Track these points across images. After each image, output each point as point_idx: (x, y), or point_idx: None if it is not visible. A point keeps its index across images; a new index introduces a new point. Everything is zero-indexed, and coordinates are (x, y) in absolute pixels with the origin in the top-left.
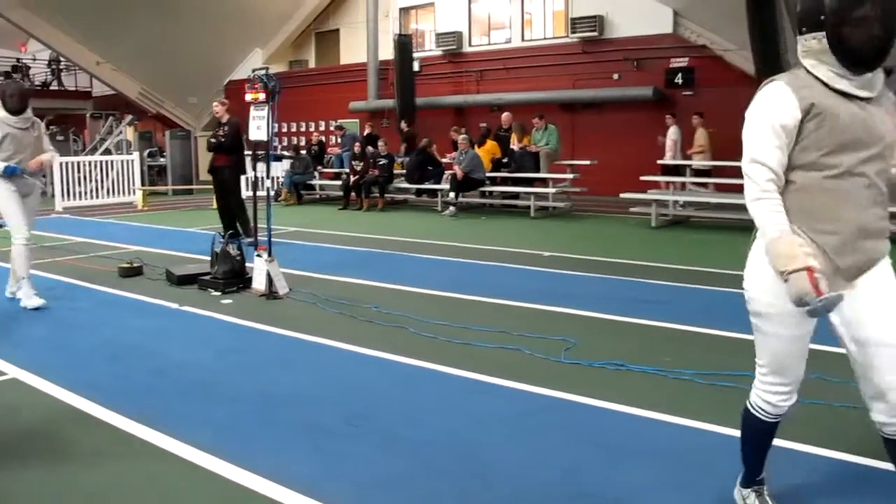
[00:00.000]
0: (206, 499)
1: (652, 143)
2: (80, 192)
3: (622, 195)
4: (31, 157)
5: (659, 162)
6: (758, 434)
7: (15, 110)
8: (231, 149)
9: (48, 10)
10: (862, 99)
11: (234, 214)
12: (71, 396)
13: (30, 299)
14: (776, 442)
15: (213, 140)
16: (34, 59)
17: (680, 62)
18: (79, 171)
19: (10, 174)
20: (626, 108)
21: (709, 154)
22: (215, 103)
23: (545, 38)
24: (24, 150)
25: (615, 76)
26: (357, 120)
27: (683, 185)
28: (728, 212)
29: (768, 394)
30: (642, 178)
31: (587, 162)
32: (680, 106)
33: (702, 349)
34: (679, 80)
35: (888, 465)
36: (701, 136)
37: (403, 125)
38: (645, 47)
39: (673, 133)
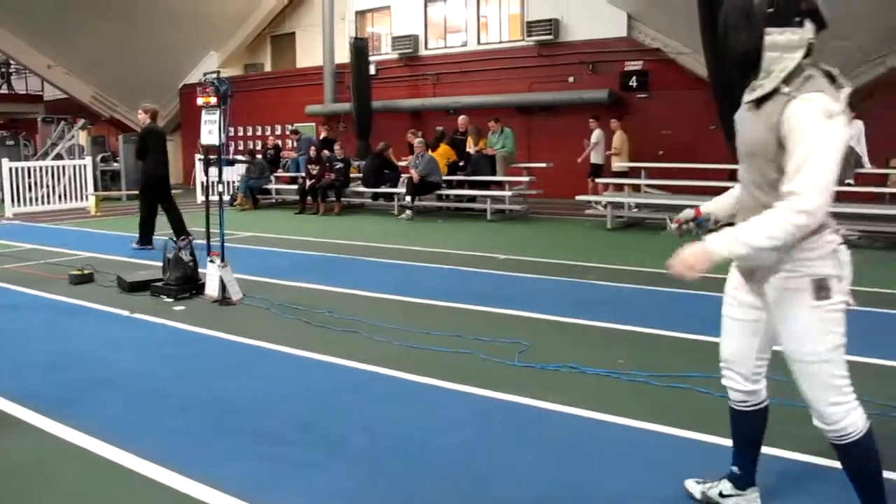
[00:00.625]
0: None
1: (608, 147)
2: (30, 198)
3: (578, 198)
4: None
5: (579, 161)
6: (730, 419)
7: None
8: (141, 154)
9: None
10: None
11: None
12: (8, 404)
13: None
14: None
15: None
16: None
17: (634, 65)
18: (29, 177)
19: None
20: (582, 111)
21: (625, 156)
22: (139, 110)
23: (501, 42)
24: None
25: (570, 79)
26: (313, 124)
27: (638, 187)
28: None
29: (723, 377)
30: (599, 180)
31: (543, 165)
32: (635, 108)
33: (656, 350)
34: (634, 83)
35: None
36: (618, 139)
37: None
38: (600, 50)
39: (596, 136)
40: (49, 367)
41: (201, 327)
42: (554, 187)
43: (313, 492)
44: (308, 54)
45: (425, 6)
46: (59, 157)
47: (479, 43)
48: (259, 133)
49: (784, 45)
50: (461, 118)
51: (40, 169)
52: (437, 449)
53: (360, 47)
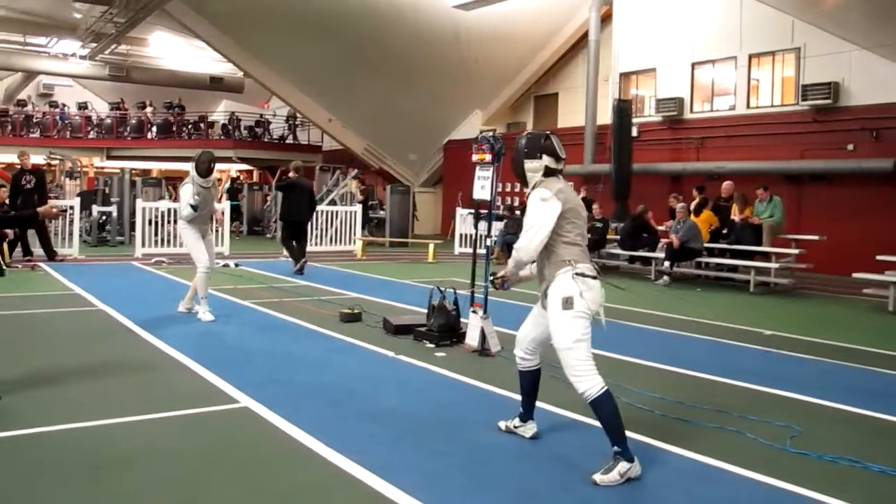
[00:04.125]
0: None
1: (890, 221)
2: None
3: (855, 275)
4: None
5: None
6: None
7: (204, 174)
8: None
9: (290, 71)
10: None
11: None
12: (296, 430)
13: (205, 314)
14: None
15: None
16: (274, 115)
17: None
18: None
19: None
20: (861, 181)
21: None
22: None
23: (772, 106)
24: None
25: (849, 147)
26: (572, 183)
27: None
28: None
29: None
30: (879, 257)
31: (814, 237)
32: None
33: None
34: None
35: None
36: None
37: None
38: (886, 116)
39: None
40: (324, 400)
41: (461, 375)
42: (825, 262)
43: None
44: (570, 114)
45: (692, 69)
46: (332, 202)
47: (747, 107)
48: (517, 190)
49: (532, 169)
50: (726, 184)
51: (317, 213)
52: None
53: (623, 108)
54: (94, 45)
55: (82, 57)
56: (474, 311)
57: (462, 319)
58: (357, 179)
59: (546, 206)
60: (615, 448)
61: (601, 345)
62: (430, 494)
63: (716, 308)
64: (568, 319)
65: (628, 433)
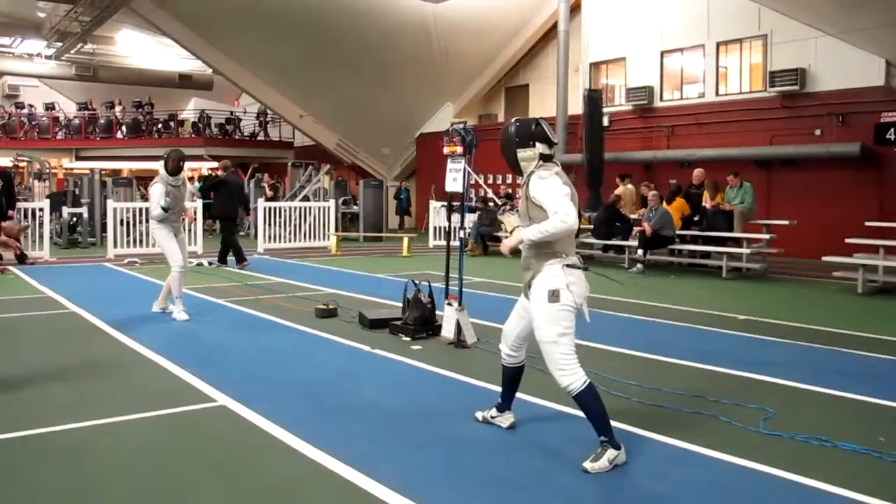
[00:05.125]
0: None
1: (858, 205)
2: (279, 235)
3: (825, 258)
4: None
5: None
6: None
7: (173, 172)
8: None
9: (260, 68)
10: None
11: None
12: (273, 427)
13: (180, 314)
14: None
15: None
16: (244, 112)
17: (892, 116)
18: (280, 216)
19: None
20: (829, 165)
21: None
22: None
23: (741, 93)
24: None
25: (817, 132)
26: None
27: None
28: None
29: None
30: (848, 240)
31: (785, 222)
32: (891, 164)
33: None
34: (892, 136)
35: None
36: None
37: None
38: (852, 101)
39: None
40: (301, 396)
41: (438, 367)
42: (796, 247)
43: None
44: (541, 105)
45: (661, 57)
46: (305, 198)
47: (717, 94)
48: (490, 181)
49: (526, 158)
50: (697, 171)
51: (289, 209)
52: None
53: (594, 98)
54: (60, 44)
55: (48, 57)
56: (449, 304)
57: (437, 312)
58: (329, 175)
59: (551, 181)
60: (602, 437)
61: (578, 333)
62: (409, 486)
63: (689, 295)
64: (553, 313)
65: None
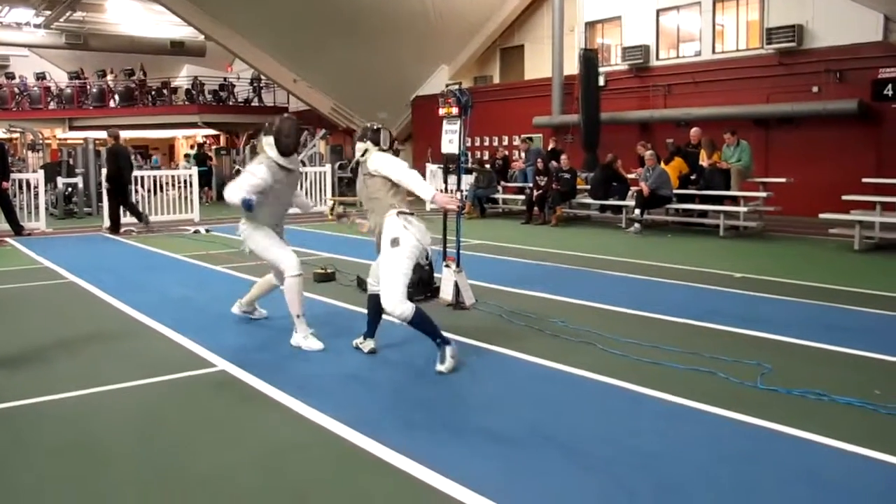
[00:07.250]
0: (399, 498)
1: (856, 162)
2: None
3: (821, 216)
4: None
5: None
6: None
7: (288, 152)
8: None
9: (253, 33)
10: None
11: None
12: (274, 391)
13: (308, 340)
14: None
15: None
16: (238, 79)
17: (890, 72)
18: None
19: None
20: (827, 123)
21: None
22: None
23: (738, 51)
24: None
25: (814, 89)
26: (541, 135)
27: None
28: None
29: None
30: (845, 197)
31: (782, 180)
32: (889, 120)
33: None
34: (889, 91)
35: None
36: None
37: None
38: (849, 57)
39: None
40: (301, 361)
41: None
42: (793, 204)
43: (547, 493)
44: (536, 66)
45: (657, 16)
46: (301, 163)
47: (713, 52)
48: (487, 144)
49: (360, 149)
50: (694, 130)
51: None
52: (676, 467)
53: (590, 58)
54: (49, 12)
55: (37, 25)
56: (447, 266)
57: (436, 274)
58: (325, 139)
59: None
60: (437, 340)
61: (577, 294)
62: (409, 446)
63: (687, 253)
64: (395, 255)
65: (606, 378)
